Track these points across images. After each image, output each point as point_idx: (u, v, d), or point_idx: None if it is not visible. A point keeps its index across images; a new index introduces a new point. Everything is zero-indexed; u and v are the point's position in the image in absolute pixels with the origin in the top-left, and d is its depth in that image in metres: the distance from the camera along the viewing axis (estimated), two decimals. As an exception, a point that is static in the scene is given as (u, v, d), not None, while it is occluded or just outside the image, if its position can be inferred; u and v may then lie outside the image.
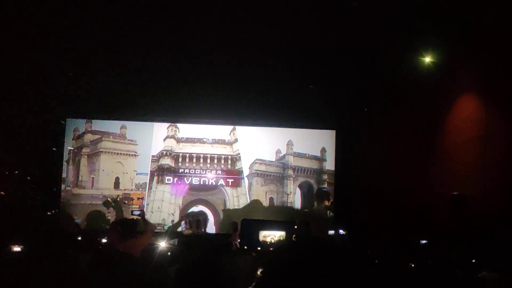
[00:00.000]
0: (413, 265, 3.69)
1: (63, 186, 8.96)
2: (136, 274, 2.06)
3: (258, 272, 3.17)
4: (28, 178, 7.81)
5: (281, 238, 6.34)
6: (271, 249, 5.61)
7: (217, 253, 3.84)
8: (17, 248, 2.91)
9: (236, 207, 9.23)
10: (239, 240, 6.40)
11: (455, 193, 5.69)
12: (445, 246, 4.89)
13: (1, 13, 5.48)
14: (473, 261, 4.27)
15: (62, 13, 5.69)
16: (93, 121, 9.14)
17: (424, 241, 5.43)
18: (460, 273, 3.62)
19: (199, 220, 8.30)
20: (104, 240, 5.33)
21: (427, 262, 3.98)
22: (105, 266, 1.99)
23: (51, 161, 8.69)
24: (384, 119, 8.18)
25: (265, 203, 9.40)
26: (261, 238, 6.46)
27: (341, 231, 6.68)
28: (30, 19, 5.80)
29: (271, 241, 6.37)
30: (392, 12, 5.48)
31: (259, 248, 6.15)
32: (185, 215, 8.64)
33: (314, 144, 9.53)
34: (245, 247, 5.83)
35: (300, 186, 9.56)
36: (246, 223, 7.47)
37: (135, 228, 5.10)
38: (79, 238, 5.63)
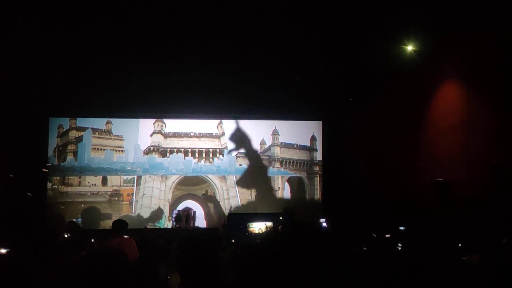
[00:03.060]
0: (398, 251, 3.76)
1: (49, 185, 8.86)
2: (127, 270, 2.06)
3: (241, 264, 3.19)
4: (12, 177, 7.70)
5: (267, 229, 6.39)
6: (258, 240, 5.65)
7: (207, 248, 3.85)
8: (2, 251, 2.88)
9: (226, 199, 9.25)
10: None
11: (440, 179, 5.79)
12: (429, 231, 4.98)
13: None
14: (459, 245, 4.36)
15: (45, 13, 5.58)
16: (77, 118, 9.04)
17: (402, 228, 5.54)
18: (444, 258, 3.70)
19: (188, 214, 8.35)
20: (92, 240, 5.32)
21: (411, 248, 4.05)
22: (96, 263, 2.00)
23: (35, 160, 8.56)
24: (369, 109, 8.25)
25: (251, 200, 9.22)
26: (248, 230, 6.51)
27: (324, 223, 6.78)
28: (14, 19, 5.68)
29: (258, 232, 6.44)
30: (373, 2, 5.50)
31: (248, 232, 6.19)
32: (174, 210, 8.66)
33: (301, 135, 9.54)
34: (233, 241, 5.87)
35: (289, 181, 9.43)
36: (232, 217, 7.52)
37: (126, 227, 5.14)
38: (67, 236, 5.58)
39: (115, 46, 6.75)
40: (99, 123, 9.13)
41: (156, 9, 5.83)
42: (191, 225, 8.36)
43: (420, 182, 6.40)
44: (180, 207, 8.86)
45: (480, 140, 5.34)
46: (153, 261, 3.30)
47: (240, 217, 7.08)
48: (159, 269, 3.23)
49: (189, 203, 9.12)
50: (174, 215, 8.42)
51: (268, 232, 5.78)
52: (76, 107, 8.64)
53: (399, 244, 4.17)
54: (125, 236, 4.92)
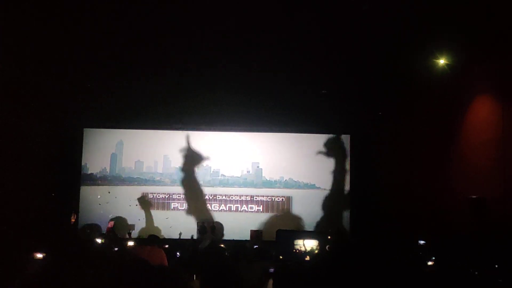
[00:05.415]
0: (431, 267, 3.65)
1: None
2: (146, 277, 2.13)
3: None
4: (47, 186, 7.99)
5: (314, 248, 6.51)
6: (307, 258, 5.73)
7: (233, 261, 3.88)
8: (39, 255, 2.99)
9: (252, 212, 9.24)
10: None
11: (474, 196, 5.60)
12: (463, 250, 4.81)
13: (20, 28, 5.67)
14: (496, 266, 4.19)
15: (80, 27, 5.84)
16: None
17: (422, 242, 5.39)
18: (479, 278, 3.57)
19: (213, 226, 8.37)
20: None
21: (444, 267, 3.93)
22: (116, 268, 2.07)
23: (70, 169, 8.88)
24: (400, 123, 8.10)
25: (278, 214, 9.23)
26: (295, 247, 6.65)
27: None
28: (49, 34, 5.97)
29: (305, 250, 6.53)
30: (405, 16, 5.45)
31: (296, 249, 6.29)
32: (199, 221, 8.70)
33: (327, 150, 9.44)
34: (281, 257, 5.93)
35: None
36: (281, 233, 7.56)
37: (157, 240, 5.50)
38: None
39: (147, 62, 6.97)
40: (131, 134, 9.39)
41: (185, 29, 5.99)
42: (217, 236, 8.37)
43: (453, 199, 6.20)
44: (205, 218, 8.90)
45: (517, 157, 5.14)
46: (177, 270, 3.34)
47: (288, 234, 7.18)
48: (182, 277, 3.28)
49: (215, 214, 9.17)
50: (198, 227, 8.44)
51: (318, 252, 5.83)
52: (110, 119, 8.94)
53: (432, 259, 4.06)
54: (156, 247, 5.19)
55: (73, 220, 6.30)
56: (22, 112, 7.13)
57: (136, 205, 9.11)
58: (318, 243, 6.46)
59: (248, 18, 5.69)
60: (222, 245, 6.03)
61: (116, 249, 5.21)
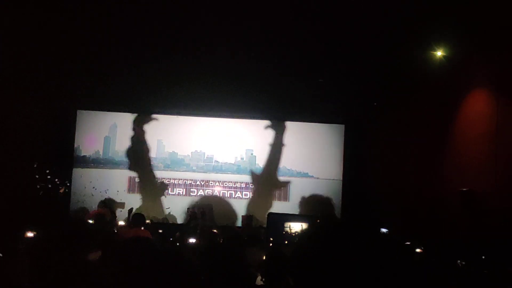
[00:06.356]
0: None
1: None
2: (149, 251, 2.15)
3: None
4: (39, 168, 7.95)
5: (303, 230, 6.63)
6: (297, 240, 5.80)
7: (229, 244, 3.89)
8: (30, 234, 2.99)
9: (244, 198, 9.27)
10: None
11: (465, 189, 5.66)
12: (452, 242, 4.88)
13: (16, 9, 5.56)
14: (483, 257, 4.26)
15: (75, 10, 5.75)
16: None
17: (385, 230, 5.45)
18: (466, 270, 3.62)
19: (203, 211, 8.37)
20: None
21: (432, 258, 3.98)
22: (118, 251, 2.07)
23: (63, 151, 8.81)
24: (394, 114, 8.12)
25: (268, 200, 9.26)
26: (285, 229, 6.79)
27: None
28: (44, 16, 5.87)
29: (295, 232, 6.67)
30: (403, 7, 5.42)
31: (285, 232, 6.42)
32: (190, 206, 8.70)
33: (322, 139, 9.46)
34: (271, 239, 6.00)
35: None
36: (272, 216, 7.64)
37: (144, 221, 5.40)
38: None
39: (142, 44, 6.89)
40: (125, 117, 9.31)
41: (183, 17, 5.93)
42: (207, 222, 8.37)
43: (446, 191, 6.26)
44: (195, 203, 8.89)
45: (509, 151, 5.19)
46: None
47: (279, 217, 7.30)
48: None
49: (206, 199, 9.17)
50: (189, 213, 8.43)
51: (306, 232, 5.91)
52: (104, 101, 8.85)
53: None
54: (142, 228, 5.14)
55: (61, 191, 6.40)
56: (14, 93, 7.03)
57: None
58: (307, 226, 6.61)
59: (244, 5, 5.63)
60: (215, 230, 6.05)
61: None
